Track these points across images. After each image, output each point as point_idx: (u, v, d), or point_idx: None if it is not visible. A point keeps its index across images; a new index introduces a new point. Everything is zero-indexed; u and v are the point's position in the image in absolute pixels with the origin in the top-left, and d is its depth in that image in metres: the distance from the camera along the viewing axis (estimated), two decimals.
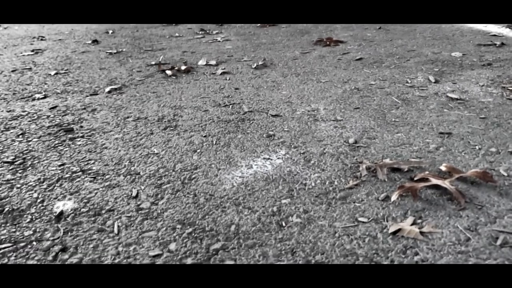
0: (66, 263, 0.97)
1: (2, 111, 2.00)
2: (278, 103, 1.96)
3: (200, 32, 4.04)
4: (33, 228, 1.11)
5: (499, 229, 1.00)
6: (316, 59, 2.78)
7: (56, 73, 2.67)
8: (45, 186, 1.31)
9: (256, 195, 1.21)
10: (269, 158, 1.42)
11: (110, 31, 4.25)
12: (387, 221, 1.06)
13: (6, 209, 1.20)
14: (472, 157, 1.35)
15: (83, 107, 2.03)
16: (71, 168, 1.42)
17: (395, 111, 1.79)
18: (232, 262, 0.94)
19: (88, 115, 1.91)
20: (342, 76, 2.34)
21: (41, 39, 3.93)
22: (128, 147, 1.56)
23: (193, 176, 1.33)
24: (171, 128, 1.72)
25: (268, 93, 2.12)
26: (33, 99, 2.17)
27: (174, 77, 2.50)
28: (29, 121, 1.86)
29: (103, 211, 1.17)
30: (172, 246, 1.01)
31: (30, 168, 1.43)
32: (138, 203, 1.20)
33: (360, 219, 1.07)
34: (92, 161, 1.46)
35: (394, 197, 1.13)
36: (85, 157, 1.50)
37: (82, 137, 1.68)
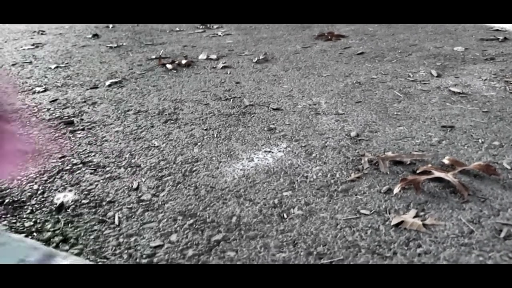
0: (67, 253, 0.97)
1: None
2: (279, 97, 1.95)
3: (201, 27, 4.02)
4: (33, 219, 1.10)
5: (502, 221, 1.00)
6: (317, 53, 2.77)
7: (57, 67, 2.66)
8: (45, 178, 1.30)
9: (257, 187, 1.20)
10: (270, 151, 1.42)
11: (110, 25, 4.23)
12: (389, 213, 1.05)
13: (7, 200, 1.19)
14: (475, 151, 1.34)
15: (83, 100, 2.02)
16: (72, 160, 1.41)
17: (397, 104, 1.78)
18: (233, 253, 0.94)
19: (89, 108, 1.90)
20: (343, 70, 2.33)
21: (42, 33, 3.91)
22: (129, 140, 1.55)
23: (194, 168, 1.33)
24: (172, 121, 1.72)
25: (269, 87, 2.11)
26: (34, 93, 2.16)
27: (175, 71, 2.49)
28: (30, 114, 1.86)
29: (104, 203, 1.16)
30: (173, 237, 1.00)
31: (30, 160, 1.42)
32: (139, 195, 1.19)
33: (362, 211, 1.06)
34: (93, 154, 1.46)
35: (396, 189, 1.13)
36: (85, 149, 1.49)
37: (83, 129, 1.67)
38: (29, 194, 1.22)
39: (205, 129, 1.62)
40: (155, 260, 0.93)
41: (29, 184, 1.27)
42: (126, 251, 0.97)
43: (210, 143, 1.50)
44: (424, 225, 0.99)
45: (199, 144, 1.50)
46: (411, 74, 2.19)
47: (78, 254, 0.96)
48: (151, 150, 1.47)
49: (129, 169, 1.34)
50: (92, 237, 1.02)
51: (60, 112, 1.87)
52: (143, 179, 1.27)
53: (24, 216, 1.12)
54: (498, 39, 2.79)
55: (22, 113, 1.87)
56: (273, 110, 1.79)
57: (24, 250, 0.88)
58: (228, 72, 2.41)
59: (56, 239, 1.02)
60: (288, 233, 1.00)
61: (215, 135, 1.56)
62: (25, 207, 1.16)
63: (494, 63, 2.28)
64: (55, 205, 1.16)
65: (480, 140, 1.40)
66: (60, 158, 1.43)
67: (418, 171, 1.22)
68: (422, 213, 1.04)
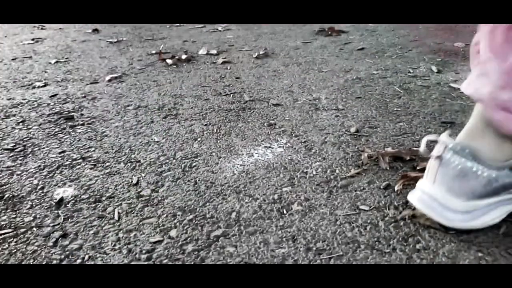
0: (67, 249, 0.97)
1: (2, 98, 1.99)
2: (279, 92, 1.95)
3: None
4: (33, 214, 1.10)
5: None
6: (317, 49, 2.76)
7: (56, 62, 2.66)
8: (45, 173, 1.30)
9: (257, 183, 1.20)
10: (270, 147, 1.42)
11: None
12: (388, 209, 1.05)
13: (6, 195, 1.19)
14: None
15: (83, 95, 2.02)
16: (71, 155, 1.41)
17: (397, 100, 1.77)
18: (233, 249, 0.94)
19: (88, 103, 1.90)
20: (343, 65, 2.33)
21: (42, 28, 3.90)
22: (129, 135, 1.55)
23: (194, 164, 1.33)
24: (172, 117, 1.71)
25: (269, 82, 2.11)
26: (33, 87, 2.15)
27: (175, 66, 2.48)
28: (29, 109, 1.85)
29: (104, 198, 1.16)
30: (173, 233, 1.00)
31: (30, 155, 1.42)
32: (139, 190, 1.19)
33: (362, 207, 1.07)
34: (93, 149, 1.46)
35: (397, 186, 1.13)
36: (85, 144, 1.49)
37: (83, 125, 1.67)
38: (29, 189, 1.22)
39: (205, 125, 1.62)
40: (154, 255, 0.94)
41: (28, 179, 1.27)
42: (125, 246, 0.97)
43: (210, 139, 1.50)
44: None
45: (198, 139, 1.50)
46: (411, 69, 2.18)
47: (77, 249, 0.97)
48: (151, 145, 1.47)
49: (128, 164, 1.34)
50: (91, 232, 1.02)
51: (60, 107, 1.87)
52: (143, 174, 1.27)
53: (24, 211, 1.12)
54: None
55: (22, 107, 1.86)
56: (273, 105, 1.79)
57: None
58: (228, 67, 2.41)
59: (56, 234, 1.02)
60: (288, 229, 1.00)
61: (215, 131, 1.56)
62: (25, 202, 1.16)
63: None
64: (54, 200, 1.16)
65: None
66: (59, 153, 1.43)
67: (418, 167, 1.21)
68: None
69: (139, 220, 1.06)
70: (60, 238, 1.01)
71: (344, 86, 1.99)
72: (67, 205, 1.14)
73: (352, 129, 1.50)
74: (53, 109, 1.84)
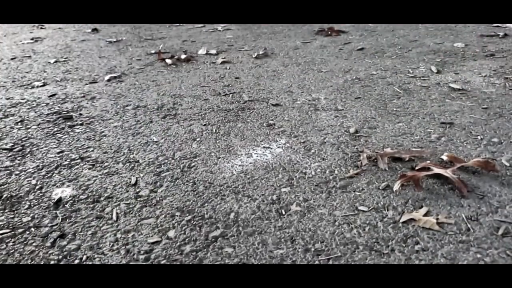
0: (65, 249, 0.97)
1: (1, 98, 1.99)
2: (279, 92, 1.95)
3: None
4: (31, 215, 1.10)
5: (500, 219, 0.99)
6: (317, 49, 2.76)
7: (56, 61, 2.65)
8: (43, 173, 1.30)
9: (256, 183, 1.20)
10: (269, 147, 1.41)
11: None
12: (387, 210, 1.05)
13: (5, 195, 1.19)
14: (474, 147, 1.34)
15: (82, 95, 2.02)
16: (70, 155, 1.41)
17: (397, 101, 1.77)
18: (231, 250, 0.93)
19: (87, 103, 1.90)
20: (343, 66, 2.33)
21: (41, 28, 3.90)
22: (127, 135, 1.55)
23: (193, 164, 1.32)
24: (171, 117, 1.71)
25: (268, 82, 2.10)
26: (32, 87, 2.15)
27: (174, 66, 2.48)
28: (28, 108, 1.85)
29: (102, 198, 1.16)
30: (171, 233, 1.00)
31: (29, 155, 1.42)
32: (137, 190, 1.19)
33: (361, 208, 1.06)
34: (91, 149, 1.45)
35: (396, 186, 1.12)
36: (84, 144, 1.49)
37: (81, 124, 1.66)
38: (27, 189, 1.22)
39: (204, 125, 1.62)
40: (152, 256, 0.93)
41: (27, 179, 1.27)
42: (123, 247, 0.96)
43: (209, 139, 1.49)
44: (438, 223, 0.98)
45: (197, 139, 1.49)
46: (411, 70, 2.18)
47: (75, 250, 0.96)
48: (150, 145, 1.46)
49: (127, 164, 1.34)
50: (89, 232, 1.02)
51: (59, 106, 1.86)
52: (141, 175, 1.27)
53: (22, 211, 1.12)
54: (498, 35, 2.78)
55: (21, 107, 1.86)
56: (272, 105, 1.78)
57: None
58: (228, 68, 2.41)
59: (54, 234, 1.02)
60: (286, 230, 0.99)
61: (214, 131, 1.56)
62: (23, 202, 1.16)
63: (494, 59, 2.27)
64: (53, 201, 1.15)
65: (479, 137, 1.40)
66: (58, 153, 1.43)
67: (417, 168, 1.21)
68: (420, 210, 1.04)
69: (137, 221, 1.06)
70: (58, 239, 1.00)
71: (343, 86, 1.99)
72: (65, 205, 1.13)
73: (351, 130, 1.50)
74: (52, 109, 1.83)
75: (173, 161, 1.35)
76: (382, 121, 1.57)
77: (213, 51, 2.77)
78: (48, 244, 0.99)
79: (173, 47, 2.98)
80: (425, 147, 1.35)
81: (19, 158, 1.40)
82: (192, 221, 1.04)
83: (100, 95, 2.01)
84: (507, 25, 3.08)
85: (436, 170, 1.17)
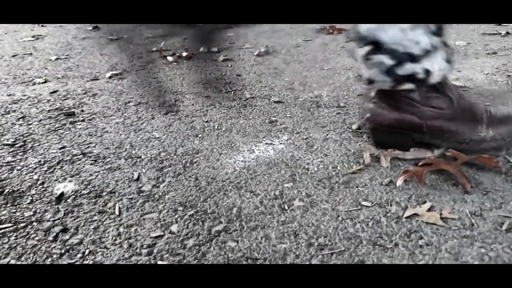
0: (67, 243, 0.96)
1: (3, 95, 1.99)
2: (281, 89, 1.95)
3: None
4: (33, 209, 1.10)
5: (504, 214, 0.99)
6: (319, 46, 2.76)
7: (57, 59, 2.65)
8: (45, 168, 1.30)
9: (258, 179, 1.20)
10: (271, 143, 1.41)
11: None
12: (391, 205, 1.05)
13: (7, 190, 1.19)
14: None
15: (83, 91, 2.01)
16: (72, 151, 1.41)
17: None
18: (234, 244, 0.93)
19: (89, 100, 1.90)
20: (345, 63, 2.32)
21: (42, 25, 3.90)
22: (129, 131, 1.55)
23: (195, 160, 1.32)
24: (173, 113, 1.71)
25: (270, 79, 2.10)
26: (34, 84, 2.15)
27: (176, 63, 2.48)
28: (30, 105, 1.85)
29: (104, 193, 1.16)
30: (174, 228, 1.00)
31: (30, 150, 1.42)
32: (140, 185, 1.19)
33: (364, 203, 1.06)
34: (93, 145, 1.45)
35: (399, 182, 1.12)
36: (85, 140, 1.49)
37: (83, 121, 1.66)
38: (29, 184, 1.22)
39: (206, 121, 1.61)
40: (155, 250, 0.93)
41: (29, 174, 1.27)
42: (126, 241, 0.96)
43: (211, 135, 1.49)
44: (442, 218, 0.98)
45: (199, 136, 1.49)
46: None
47: (78, 244, 0.96)
48: (152, 141, 1.46)
49: (129, 160, 1.34)
50: (92, 227, 1.02)
51: (60, 103, 1.86)
52: (144, 170, 1.27)
53: (24, 206, 1.11)
54: (501, 33, 2.78)
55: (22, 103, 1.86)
56: (274, 102, 1.78)
57: None
58: (229, 65, 2.40)
59: (56, 228, 1.01)
60: (289, 224, 0.99)
61: (216, 127, 1.56)
62: (25, 197, 1.15)
63: (496, 57, 2.26)
64: (55, 195, 1.15)
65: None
66: (60, 148, 1.43)
67: (420, 163, 1.21)
68: (424, 205, 1.03)
69: (140, 215, 1.05)
70: (60, 233, 1.00)
71: (345, 83, 1.98)
72: (68, 200, 1.13)
73: (354, 126, 1.50)
74: (54, 105, 1.83)
75: (175, 157, 1.35)
76: None
77: (214, 49, 2.77)
78: (51, 238, 0.98)
79: (174, 45, 2.98)
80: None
81: (20, 153, 1.40)
82: (195, 216, 1.04)
83: (101, 91, 2.00)
84: (509, 24, 3.08)
85: (439, 165, 1.16)
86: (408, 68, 1.17)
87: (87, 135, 1.52)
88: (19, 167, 1.31)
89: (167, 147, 1.41)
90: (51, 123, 1.64)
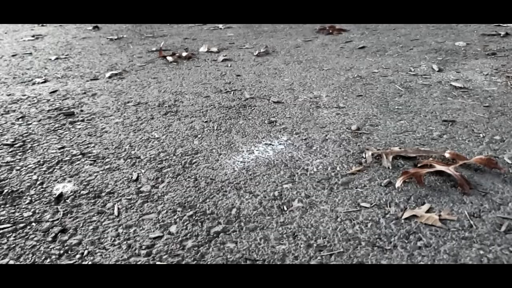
0: (66, 244, 0.96)
1: (2, 94, 1.99)
2: (280, 90, 1.95)
3: None
4: (32, 210, 1.09)
5: (503, 215, 0.99)
6: (318, 47, 2.76)
7: (57, 58, 2.65)
8: (44, 169, 1.30)
9: (258, 179, 1.19)
10: (270, 144, 1.41)
11: None
12: (390, 206, 1.05)
13: (6, 190, 1.19)
14: (476, 145, 1.33)
15: (83, 91, 2.01)
16: (71, 151, 1.41)
17: (398, 98, 1.77)
18: (233, 245, 0.93)
19: (89, 100, 1.90)
20: (344, 64, 2.32)
21: (42, 25, 3.89)
22: (129, 131, 1.55)
23: (194, 160, 1.32)
24: (172, 113, 1.71)
25: (270, 80, 2.10)
26: (33, 83, 2.15)
27: (175, 64, 2.47)
28: (29, 104, 1.85)
29: (103, 194, 1.15)
30: (173, 229, 1.00)
31: (30, 150, 1.42)
32: (139, 186, 1.19)
33: (363, 204, 1.06)
34: (92, 145, 1.45)
35: (398, 183, 1.12)
36: (85, 140, 1.48)
37: (82, 121, 1.66)
38: (28, 184, 1.21)
39: (205, 121, 1.61)
40: (154, 251, 0.93)
41: (28, 174, 1.27)
42: (125, 242, 0.96)
43: (210, 135, 1.49)
44: (440, 219, 0.98)
45: (199, 136, 1.49)
46: (413, 68, 2.18)
47: (77, 244, 0.96)
48: (151, 141, 1.46)
49: (128, 160, 1.34)
50: (91, 227, 1.02)
51: (59, 103, 1.86)
52: (143, 171, 1.27)
53: (23, 206, 1.11)
54: (500, 34, 2.78)
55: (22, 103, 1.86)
56: (274, 103, 1.78)
57: None
58: (229, 65, 2.40)
59: (55, 229, 1.01)
60: (288, 225, 0.99)
61: (215, 128, 1.55)
62: (24, 197, 1.15)
63: (495, 58, 2.26)
64: (54, 196, 1.15)
65: (481, 135, 1.40)
66: (59, 148, 1.42)
67: (419, 165, 1.21)
68: (423, 207, 1.03)
69: (139, 216, 1.05)
70: (59, 233, 1.00)
71: (345, 84, 1.98)
72: (67, 201, 1.13)
73: (353, 127, 1.50)
74: (53, 105, 1.83)
75: (174, 157, 1.35)
76: (384, 119, 1.57)
77: (214, 49, 2.77)
78: (49, 238, 0.98)
79: (174, 45, 2.98)
80: (427, 145, 1.35)
81: (20, 153, 1.40)
82: (194, 217, 1.04)
83: (101, 91, 2.00)
84: (509, 24, 3.08)
85: (439, 167, 1.16)
86: None
87: (87, 135, 1.52)
88: (18, 167, 1.31)
89: (167, 147, 1.41)
90: (50, 123, 1.64)
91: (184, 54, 2.61)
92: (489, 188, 1.10)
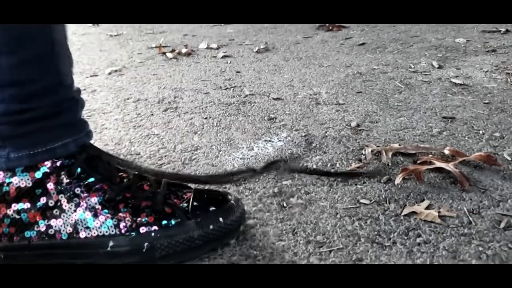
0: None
1: None
2: (280, 86, 1.95)
3: None
4: None
5: (502, 212, 0.99)
6: (318, 43, 2.76)
7: None
8: None
9: (257, 176, 1.20)
10: (270, 140, 1.41)
11: None
12: (389, 203, 1.05)
13: None
14: (476, 142, 1.34)
15: (83, 88, 2.01)
16: None
17: (398, 95, 1.77)
18: (233, 241, 0.93)
19: (88, 96, 1.89)
20: (344, 60, 2.32)
21: None
22: (128, 128, 1.55)
23: (194, 157, 1.32)
24: (172, 110, 1.71)
25: (269, 76, 2.10)
26: None
27: (175, 60, 2.47)
28: None
29: None
30: None
31: None
32: None
33: (362, 201, 1.06)
34: (92, 141, 1.45)
35: (398, 180, 1.12)
36: None
37: None
38: None
39: (205, 118, 1.61)
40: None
41: None
42: None
43: (210, 132, 1.49)
44: (440, 216, 0.98)
45: (198, 132, 1.49)
46: (412, 65, 2.18)
47: None
48: (151, 138, 1.46)
49: (128, 156, 1.34)
50: None
51: None
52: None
53: None
54: (500, 31, 2.78)
55: None
56: (274, 99, 1.78)
57: None
58: (229, 62, 2.40)
59: None
60: (288, 222, 0.99)
61: (215, 124, 1.56)
62: None
63: (495, 55, 2.26)
64: None
65: (481, 131, 1.40)
66: None
67: (418, 161, 1.21)
68: (422, 203, 1.03)
69: None
70: None
71: (344, 80, 1.98)
72: None
73: (353, 124, 1.50)
74: None
75: (174, 153, 1.35)
76: (383, 115, 1.57)
77: (214, 45, 2.77)
78: None
79: (173, 41, 2.97)
80: (427, 141, 1.35)
81: None
82: None
83: (100, 88, 2.00)
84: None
85: (438, 164, 1.17)
86: None
87: None
88: None
89: (166, 143, 1.41)
90: None
91: (183, 50, 2.61)
92: (488, 185, 1.10)
